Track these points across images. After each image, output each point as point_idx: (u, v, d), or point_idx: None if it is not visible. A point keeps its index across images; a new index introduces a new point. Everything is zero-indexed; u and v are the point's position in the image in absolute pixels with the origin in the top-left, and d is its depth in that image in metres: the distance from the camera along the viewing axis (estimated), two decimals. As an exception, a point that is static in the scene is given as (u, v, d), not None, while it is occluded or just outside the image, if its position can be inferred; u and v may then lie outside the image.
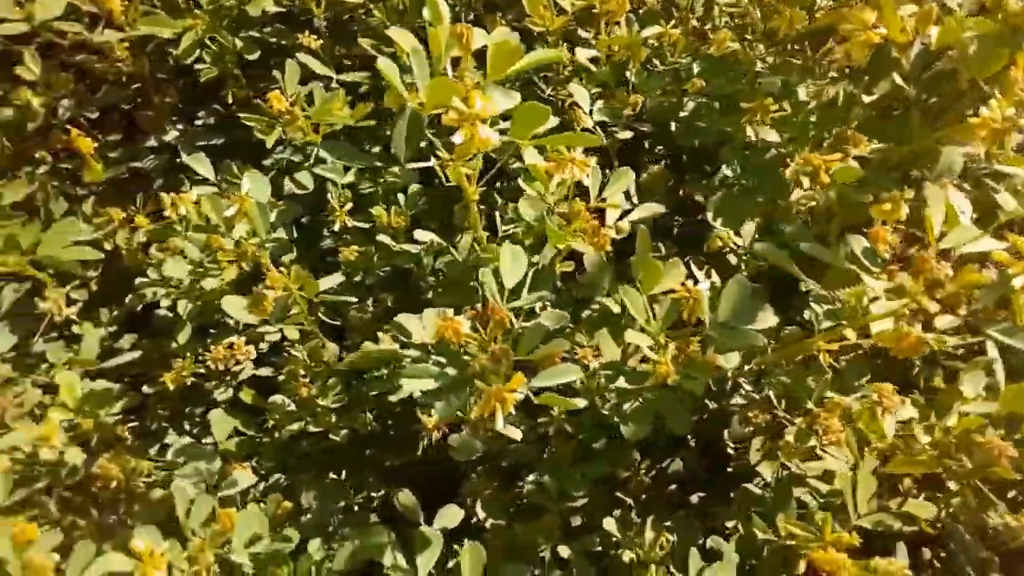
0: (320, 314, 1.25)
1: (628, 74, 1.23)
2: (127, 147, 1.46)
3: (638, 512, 1.22)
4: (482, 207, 1.17)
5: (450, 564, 1.00)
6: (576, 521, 1.20)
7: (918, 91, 1.00)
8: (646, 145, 1.49)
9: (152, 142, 1.45)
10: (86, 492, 1.20)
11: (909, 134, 1.04)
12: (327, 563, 0.98)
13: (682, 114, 1.26)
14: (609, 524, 1.05)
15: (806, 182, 0.98)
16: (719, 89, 1.31)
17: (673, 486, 1.34)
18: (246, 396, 1.19)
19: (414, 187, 1.30)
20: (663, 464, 1.34)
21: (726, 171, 1.38)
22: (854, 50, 0.99)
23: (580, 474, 1.11)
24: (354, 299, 1.22)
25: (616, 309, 1.09)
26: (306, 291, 1.06)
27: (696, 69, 1.34)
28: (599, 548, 1.10)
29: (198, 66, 1.38)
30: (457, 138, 0.74)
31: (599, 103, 1.26)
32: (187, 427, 1.39)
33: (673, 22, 1.37)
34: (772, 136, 1.14)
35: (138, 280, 1.29)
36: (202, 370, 1.26)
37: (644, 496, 1.30)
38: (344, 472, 1.28)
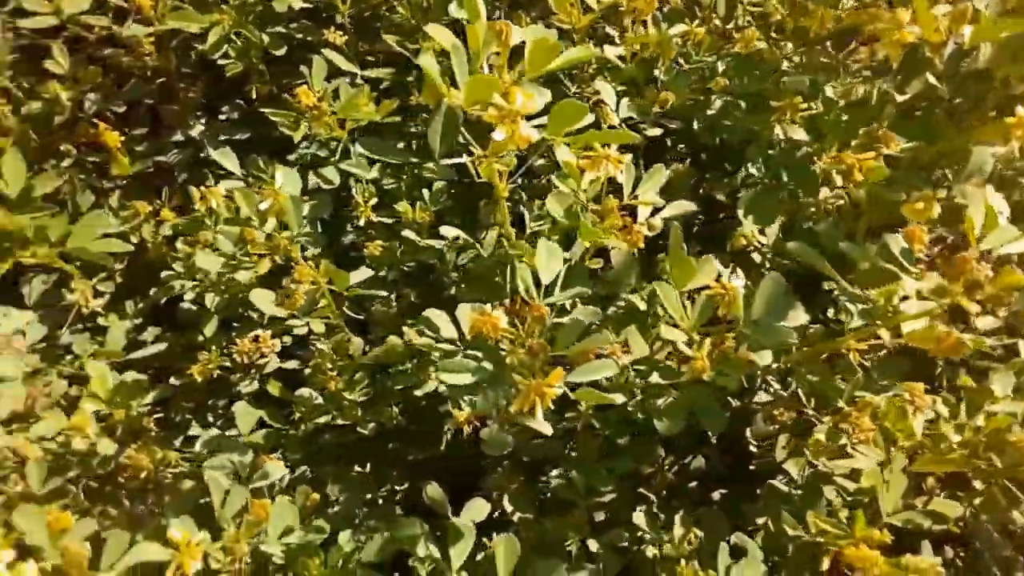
0: (344, 308, 1.26)
1: (656, 72, 1.23)
2: (152, 141, 1.47)
3: (660, 508, 1.22)
4: (508, 204, 1.17)
5: (478, 557, 1.01)
6: (599, 517, 1.21)
7: (951, 90, 0.99)
8: (668, 143, 1.49)
9: (178, 136, 1.46)
10: (113, 482, 1.21)
11: (940, 133, 1.04)
12: (356, 554, 0.98)
13: (709, 112, 1.26)
14: (639, 519, 1.05)
15: (839, 180, 0.98)
16: (743, 88, 1.31)
17: (695, 483, 1.34)
18: (273, 389, 1.20)
19: (439, 183, 1.31)
20: (685, 461, 1.35)
21: (752, 169, 1.38)
22: (888, 49, 0.99)
23: (606, 469, 1.11)
24: (383, 293, 1.23)
25: (643, 306, 1.10)
26: (336, 285, 1.07)
27: (721, 68, 1.34)
28: (625, 543, 1.10)
29: (222, 61, 1.39)
30: (498, 135, 0.74)
31: (624, 100, 1.26)
32: (210, 419, 1.40)
33: (697, 21, 1.37)
34: (800, 135, 1.14)
35: (164, 273, 1.30)
36: (227, 363, 1.27)
37: (665, 492, 1.31)
38: (368, 465, 1.28)
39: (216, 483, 0.90)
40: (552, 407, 0.80)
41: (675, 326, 0.89)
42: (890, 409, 0.99)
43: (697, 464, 1.34)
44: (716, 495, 1.33)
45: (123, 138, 1.33)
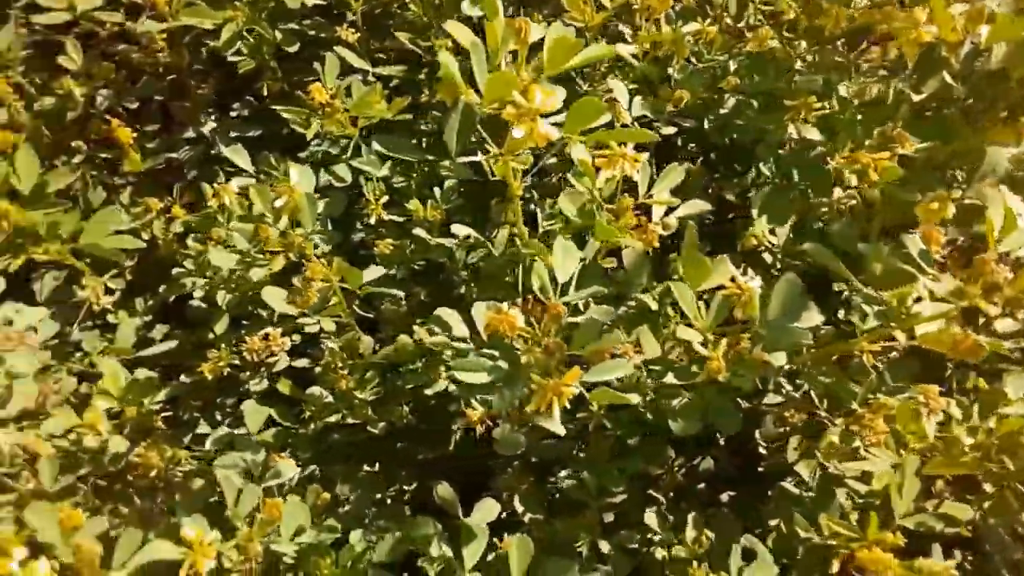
0: (354, 307, 1.26)
1: (670, 70, 1.23)
2: (163, 138, 1.47)
3: (668, 509, 1.22)
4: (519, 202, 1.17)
5: (489, 557, 1.00)
6: (608, 518, 1.21)
7: (967, 90, 0.99)
8: (678, 142, 1.49)
9: (189, 133, 1.46)
10: (121, 480, 1.21)
11: (955, 133, 1.04)
12: (368, 554, 0.98)
13: (722, 111, 1.26)
14: (650, 519, 1.05)
15: (852, 180, 0.97)
16: (755, 86, 1.31)
17: (703, 484, 1.34)
18: (284, 387, 1.20)
19: (450, 181, 1.30)
20: (694, 462, 1.34)
21: (763, 169, 1.38)
22: (904, 48, 0.99)
23: (617, 470, 1.11)
24: (397, 292, 1.23)
25: (654, 306, 1.10)
26: (349, 283, 1.07)
27: (733, 66, 1.34)
28: (635, 545, 1.10)
29: (234, 58, 1.39)
30: (517, 133, 0.74)
31: (636, 99, 1.26)
32: (218, 418, 1.40)
33: (709, 20, 1.36)
34: (814, 134, 1.14)
35: (175, 270, 1.30)
36: (236, 361, 1.26)
37: (672, 494, 1.30)
38: (377, 464, 1.28)
39: (229, 482, 0.90)
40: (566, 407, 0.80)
41: (689, 326, 0.89)
42: (903, 411, 0.99)
43: (706, 465, 1.34)
44: (724, 497, 1.32)
45: (135, 134, 1.33)
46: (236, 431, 1.29)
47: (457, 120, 0.87)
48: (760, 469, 1.30)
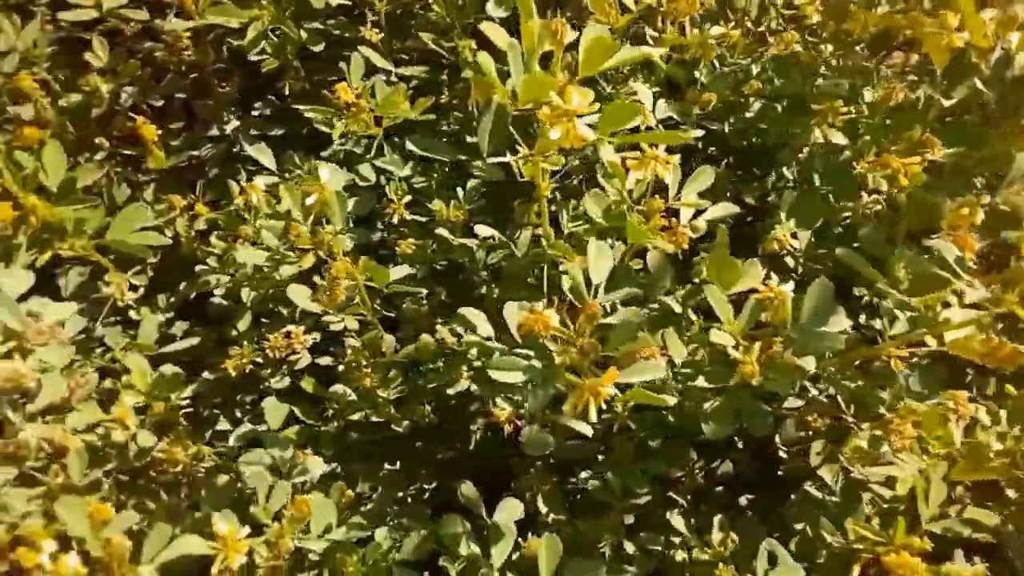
0: (376, 305, 1.26)
1: (696, 73, 1.23)
2: (186, 135, 1.47)
3: (688, 512, 1.22)
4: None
5: (514, 557, 1.00)
6: (629, 519, 1.21)
7: (997, 96, 0.99)
8: (699, 145, 1.49)
9: (212, 131, 1.46)
10: (144, 476, 1.21)
11: (983, 139, 1.04)
12: (392, 552, 0.98)
13: (747, 115, 1.26)
14: (677, 522, 1.05)
15: (882, 184, 0.97)
16: (778, 90, 1.31)
17: (722, 487, 1.34)
18: (307, 385, 1.20)
19: (473, 182, 1.31)
20: (713, 465, 1.34)
21: (785, 172, 1.38)
22: (933, 54, 0.99)
23: (640, 471, 1.11)
24: (422, 291, 1.23)
25: (677, 308, 1.10)
26: (376, 281, 1.07)
27: (756, 70, 1.34)
28: (658, 546, 1.10)
29: (256, 57, 1.39)
30: (554, 134, 0.74)
31: (660, 102, 1.26)
32: (238, 414, 1.40)
33: (732, 23, 1.37)
34: (840, 138, 1.14)
35: (198, 267, 1.31)
36: (258, 358, 1.27)
37: (691, 497, 1.30)
38: (398, 463, 1.28)
39: (261, 478, 0.90)
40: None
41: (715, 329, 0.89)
42: (930, 417, 0.98)
43: (725, 468, 1.34)
44: (743, 500, 1.32)
45: (159, 132, 1.33)
46: (257, 428, 1.30)
47: (490, 120, 0.88)
48: (779, 473, 1.30)
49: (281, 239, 1.06)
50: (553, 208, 1.26)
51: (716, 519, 1.05)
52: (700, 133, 1.18)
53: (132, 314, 1.37)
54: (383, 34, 1.42)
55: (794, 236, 1.25)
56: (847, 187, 1.12)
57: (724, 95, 1.23)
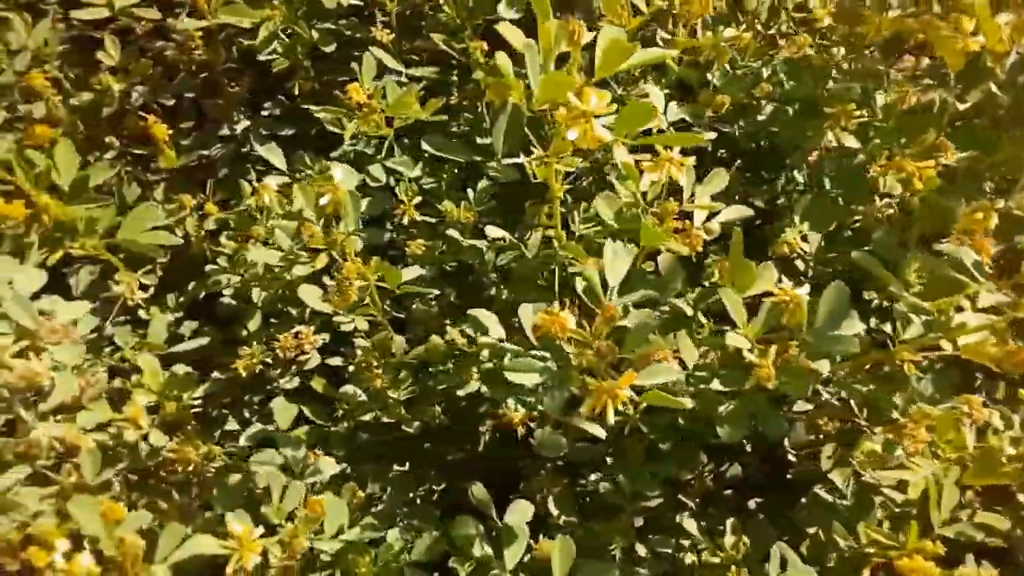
0: (385, 306, 1.26)
1: (709, 75, 1.23)
2: (196, 135, 1.47)
3: (697, 515, 1.22)
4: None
5: (525, 558, 1.00)
6: (639, 522, 1.21)
7: (1012, 100, 0.99)
8: (708, 148, 1.49)
9: (224, 131, 1.46)
10: (153, 476, 1.21)
11: (997, 143, 1.04)
12: (404, 553, 0.98)
13: (759, 117, 1.26)
14: (689, 524, 1.05)
15: (897, 188, 0.97)
16: (789, 93, 1.31)
17: (731, 490, 1.34)
18: (317, 385, 1.20)
19: (483, 183, 1.31)
20: (722, 468, 1.34)
21: (796, 176, 1.38)
22: (948, 58, 0.99)
23: (650, 474, 1.11)
24: (434, 291, 1.23)
25: (689, 311, 1.10)
26: (388, 282, 1.07)
27: (766, 73, 1.34)
28: (669, 549, 1.10)
29: (267, 57, 1.39)
30: (572, 135, 0.74)
31: (672, 104, 1.26)
32: (246, 415, 1.40)
33: (743, 26, 1.37)
34: (852, 142, 1.14)
35: (208, 267, 1.31)
36: (267, 359, 1.27)
37: (699, 500, 1.30)
38: (408, 464, 1.28)
39: (275, 478, 0.90)
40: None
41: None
42: (944, 421, 0.98)
43: (734, 472, 1.33)
44: (752, 503, 1.32)
45: (170, 131, 1.33)
46: (267, 428, 1.30)
47: (505, 121, 0.88)
48: (788, 476, 1.30)
49: (294, 239, 1.05)
50: (563, 210, 1.26)
51: (728, 522, 1.05)
52: (713, 135, 1.18)
53: (141, 313, 1.36)
54: (393, 35, 1.42)
55: (804, 239, 1.25)
56: (859, 191, 1.12)
57: (737, 97, 1.23)
